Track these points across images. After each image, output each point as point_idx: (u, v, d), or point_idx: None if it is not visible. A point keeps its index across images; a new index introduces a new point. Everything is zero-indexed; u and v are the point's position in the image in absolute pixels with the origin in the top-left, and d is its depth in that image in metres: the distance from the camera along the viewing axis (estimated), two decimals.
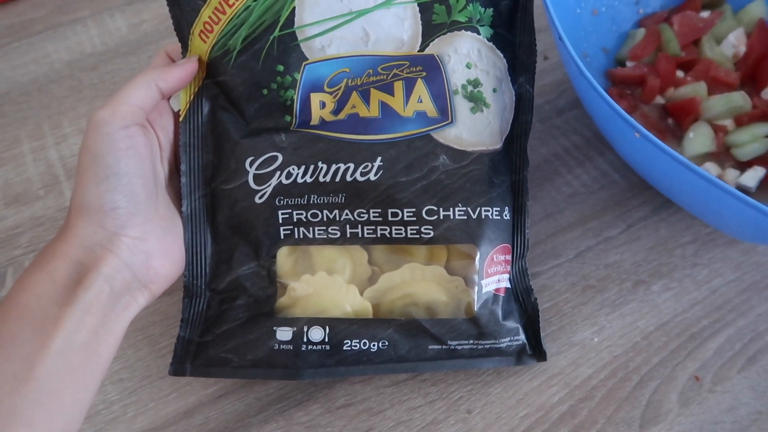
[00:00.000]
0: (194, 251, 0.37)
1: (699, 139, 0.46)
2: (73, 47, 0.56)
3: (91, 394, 0.31)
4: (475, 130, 0.37)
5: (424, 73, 0.37)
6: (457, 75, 0.37)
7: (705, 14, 0.52)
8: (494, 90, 0.38)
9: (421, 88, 0.37)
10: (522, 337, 0.38)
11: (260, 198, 0.36)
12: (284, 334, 0.36)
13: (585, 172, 0.49)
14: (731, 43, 0.50)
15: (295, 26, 0.37)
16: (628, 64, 0.51)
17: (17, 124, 0.51)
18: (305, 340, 0.35)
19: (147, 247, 0.34)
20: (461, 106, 0.37)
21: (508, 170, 0.39)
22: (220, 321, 0.36)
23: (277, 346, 0.35)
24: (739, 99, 0.47)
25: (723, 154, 0.47)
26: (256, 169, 0.36)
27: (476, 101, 0.37)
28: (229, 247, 0.37)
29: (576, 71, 0.38)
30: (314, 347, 0.35)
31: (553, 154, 0.50)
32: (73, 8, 0.59)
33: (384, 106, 0.37)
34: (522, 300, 0.39)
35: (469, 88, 0.37)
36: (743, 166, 0.46)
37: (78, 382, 0.30)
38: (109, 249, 0.32)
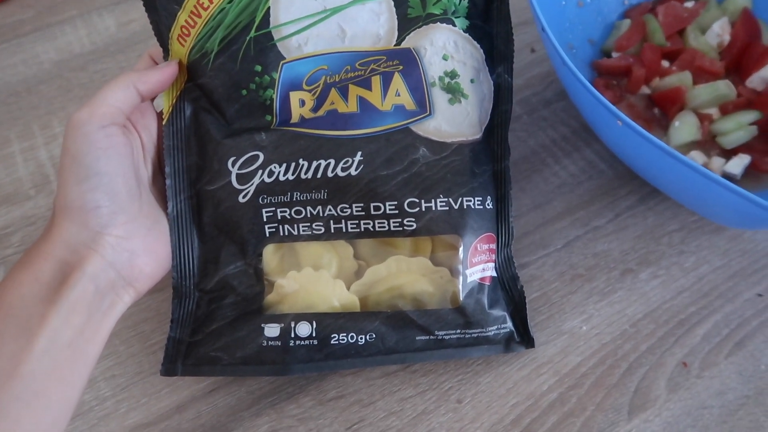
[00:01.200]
0: (181, 252, 0.37)
1: (684, 127, 0.46)
2: (62, 47, 0.56)
3: (78, 392, 0.31)
4: (453, 121, 0.37)
5: (401, 67, 0.37)
6: (434, 67, 0.37)
7: (689, 4, 0.52)
8: (472, 81, 0.38)
9: (398, 82, 0.37)
10: (509, 324, 0.39)
11: (244, 197, 0.36)
12: (272, 330, 0.36)
13: (572, 163, 0.49)
14: (716, 33, 0.50)
15: (271, 26, 0.37)
16: (614, 55, 0.51)
17: (7, 124, 0.51)
18: (293, 335, 0.36)
19: (131, 246, 0.34)
20: (439, 97, 0.37)
21: (489, 160, 0.39)
22: (210, 320, 0.37)
23: (265, 342, 0.36)
24: (724, 88, 0.47)
25: (708, 143, 0.47)
26: (239, 169, 0.36)
27: (454, 92, 0.37)
28: (216, 246, 0.37)
29: (560, 62, 0.39)
30: (302, 342, 0.36)
31: (541, 146, 0.50)
32: (61, 8, 0.59)
33: (362, 101, 0.37)
34: (508, 288, 0.40)
35: (447, 79, 0.37)
36: (728, 154, 0.47)
37: (64, 380, 0.30)
38: (92, 248, 0.32)
